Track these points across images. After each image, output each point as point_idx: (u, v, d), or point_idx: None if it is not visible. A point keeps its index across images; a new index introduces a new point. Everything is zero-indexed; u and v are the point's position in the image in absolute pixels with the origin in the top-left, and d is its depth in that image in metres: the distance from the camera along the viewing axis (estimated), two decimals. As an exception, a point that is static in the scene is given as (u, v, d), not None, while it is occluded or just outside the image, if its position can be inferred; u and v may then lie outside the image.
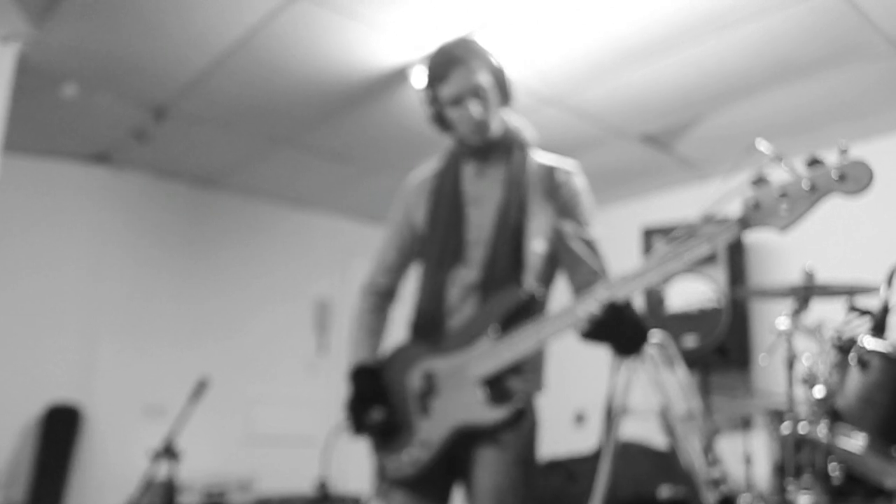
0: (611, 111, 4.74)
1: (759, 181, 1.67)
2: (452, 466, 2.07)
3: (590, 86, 4.42)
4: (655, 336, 4.03)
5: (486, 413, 1.95)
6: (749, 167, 1.84)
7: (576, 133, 4.98)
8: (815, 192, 1.60)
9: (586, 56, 4.10)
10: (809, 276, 2.87)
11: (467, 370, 1.99)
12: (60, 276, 5.56)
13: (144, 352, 5.72)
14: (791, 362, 2.89)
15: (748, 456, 3.86)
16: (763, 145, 1.87)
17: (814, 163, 1.61)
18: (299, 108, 4.79)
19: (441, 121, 2.21)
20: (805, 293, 2.88)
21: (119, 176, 5.88)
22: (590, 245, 2.11)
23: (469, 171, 2.23)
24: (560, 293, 2.17)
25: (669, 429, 4.02)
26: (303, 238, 6.76)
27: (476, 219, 2.16)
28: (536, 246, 2.09)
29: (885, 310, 2.43)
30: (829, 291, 2.90)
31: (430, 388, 2.06)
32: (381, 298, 2.35)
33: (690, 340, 4.65)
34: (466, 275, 2.11)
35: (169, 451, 4.20)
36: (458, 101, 2.10)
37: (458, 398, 2.00)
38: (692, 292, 4.72)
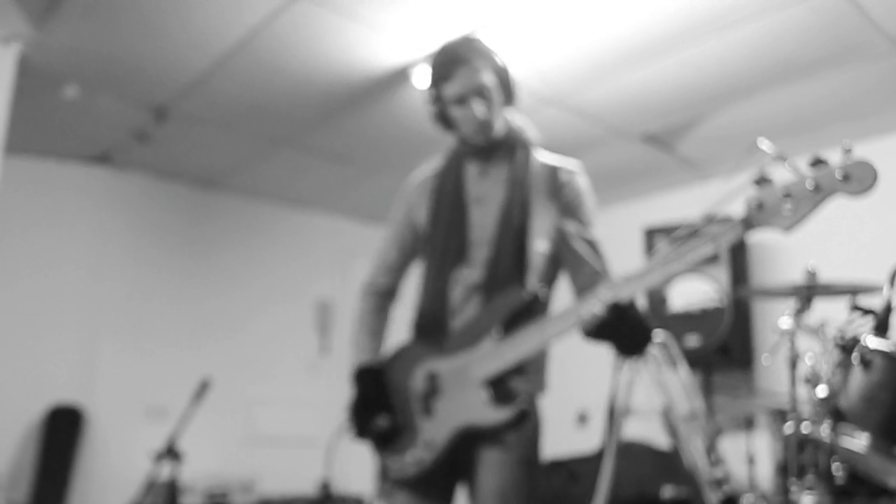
0: (612, 111, 4.74)
1: (762, 181, 1.66)
2: (455, 467, 2.07)
3: (591, 86, 4.42)
4: (658, 336, 4.02)
5: (490, 414, 1.94)
6: (751, 167, 1.83)
7: (577, 133, 4.98)
8: (819, 193, 1.59)
9: (587, 56, 4.10)
10: (812, 275, 2.86)
11: (470, 371, 1.99)
12: (62, 276, 5.56)
13: (146, 353, 5.72)
14: (794, 362, 2.88)
15: (751, 456, 3.85)
16: (765, 145, 1.87)
17: (817, 163, 1.61)
18: (300, 108, 4.79)
19: (444, 120, 2.21)
20: (808, 292, 2.87)
21: (120, 177, 5.88)
22: (592, 245, 2.11)
23: (472, 170, 2.23)
24: (562, 294, 2.17)
25: (672, 429, 4.02)
26: (304, 238, 6.76)
27: (479, 219, 2.15)
28: (539, 246, 2.08)
29: (888, 309, 2.42)
30: (831, 291, 2.90)
31: (433, 389, 2.06)
32: (383, 298, 2.35)
33: (693, 340, 4.64)
34: (469, 275, 2.11)
35: (171, 452, 4.20)
36: (462, 100, 2.10)
37: (461, 399, 2.00)
38: (694, 292, 4.71)
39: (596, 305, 1.78)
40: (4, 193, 4.17)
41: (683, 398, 4.01)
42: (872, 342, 2.29)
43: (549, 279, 2.14)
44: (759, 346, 4.92)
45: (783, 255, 5.06)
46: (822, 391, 2.48)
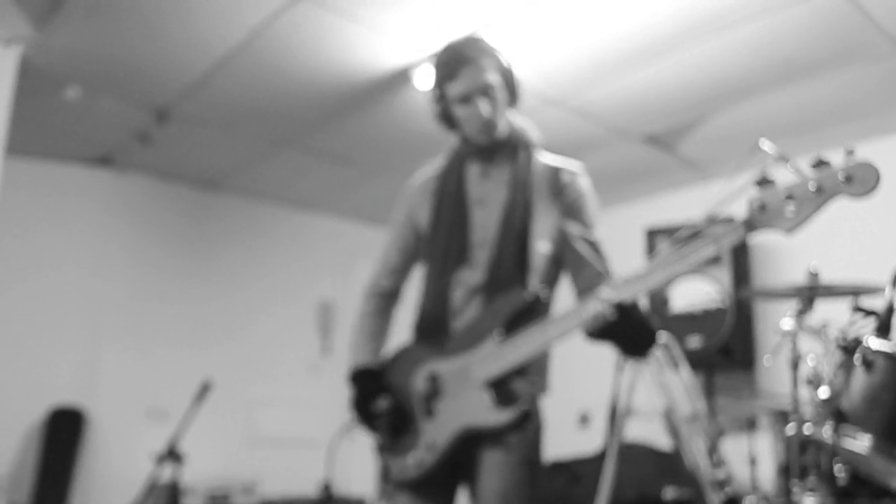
0: (614, 112, 4.74)
1: (764, 182, 1.66)
2: (457, 468, 2.07)
3: (593, 86, 4.42)
4: (661, 337, 4.02)
5: (492, 416, 1.94)
6: (752, 168, 1.83)
7: (579, 134, 4.97)
8: (822, 194, 1.59)
9: (589, 56, 4.09)
10: (814, 276, 2.86)
11: (472, 372, 1.99)
12: (63, 278, 5.56)
13: (147, 354, 5.71)
14: (796, 363, 2.88)
15: (753, 457, 3.84)
16: (767, 146, 1.86)
17: (820, 164, 1.60)
18: (301, 109, 4.79)
19: (447, 119, 2.21)
20: (810, 293, 2.87)
21: (122, 178, 5.88)
22: (594, 246, 2.11)
23: (473, 171, 2.23)
24: (564, 295, 2.17)
25: (674, 430, 4.02)
26: (305, 239, 6.75)
27: (481, 220, 2.15)
28: (541, 247, 2.08)
29: (890, 310, 2.42)
30: (833, 292, 2.90)
31: (434, 391, 2.05)
32: (385, 300, 2.35)
33: (695, 341, 4.64)
34: (471, 276, 2.11)
35: (172, 454, 4.20)
36: (466, 99, 2.10)
37: (463, 400, 2.00)
38: (696, 293, 4.71)
39: (599, 306, 1.77)
40: (6, 195, 4.16)
41: (685, 399, 4.01)
42: (874, 343, 2.29)
43: (551, 280, 2.14)
44: (761, 347, 4.92)
45: (785, 255, 5.05)
46: (824, 392, 2.47)
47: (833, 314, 2.89)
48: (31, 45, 4.04)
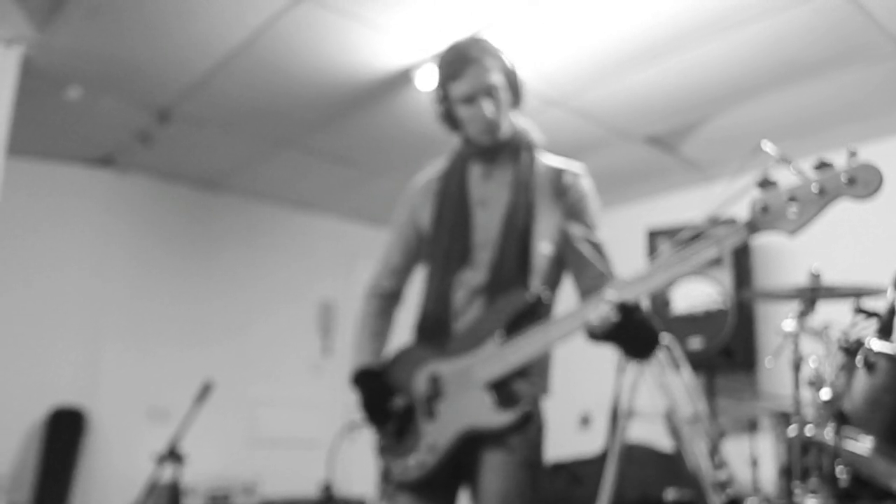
0: (615, 112, 4.73)
1: (767, 184, 1.66)
2: (458, 469, 2.06)
3: (594, 87, 4.41)
4: (663, 338, 4.02)
5: (494, 417, 1.94)
6: (755, 169, 1.83)
7: (580, 135, 4.97)
8: (825, 196, 1.59)
9: (591, 57, 4.09)
10: (816, 277, 2.85)
11: (473, 373, 1.98)
12: (64, 278, 5.56)
13: (148, 354, 5.72)
14: (797, 364, 2.88)
15: (754, 458, 3.84)
16: (769, 147, 1.86)
17: (822, 166, 1.60)
18: (302, 110, 4.78)
19: (450, 119, 2.20)
20: (811, 295, 2.87)
21: (123, 178, 5.88)
22: (597, 248, 2.10)
23: (476, 172, 2.22)
24: (566, 296, 2.16)
25: (675, 431, 4.02)
26: (306, 240, 6.75)
27: (483, 221, 2.15)
28: (543, 248, 2.08)
29: (892, 312, 2.42)
30: (835, 293, 2.89)
31: (436, 392, 2.05)
32: (386, 301, 2.35)
33: (696, 342, 4.64)
34: (473, 277, 2.10)
35: (173, 454, 4.20)
36: (470, 99, 2.10)
37: (464, 402, 1.99)
38: (698, 294, 4.71)
39: (603, 307, 1.77)
40: (7, 195, 4.16)
41: (687, 401, 4.00)
42: (876, 345, 2.29)
43: (553, 282, 2.14)
44: (763, 348, 4.92)
45: (787, 257, 5.05)
46: (825, 394, 2.47)
47: (835, 316, 2.89)
48: (32, 46, 4.04)
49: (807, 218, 1.61)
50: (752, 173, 1.75)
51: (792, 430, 2.80)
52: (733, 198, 1.75)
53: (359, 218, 6.93)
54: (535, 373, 2.05)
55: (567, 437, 5.80)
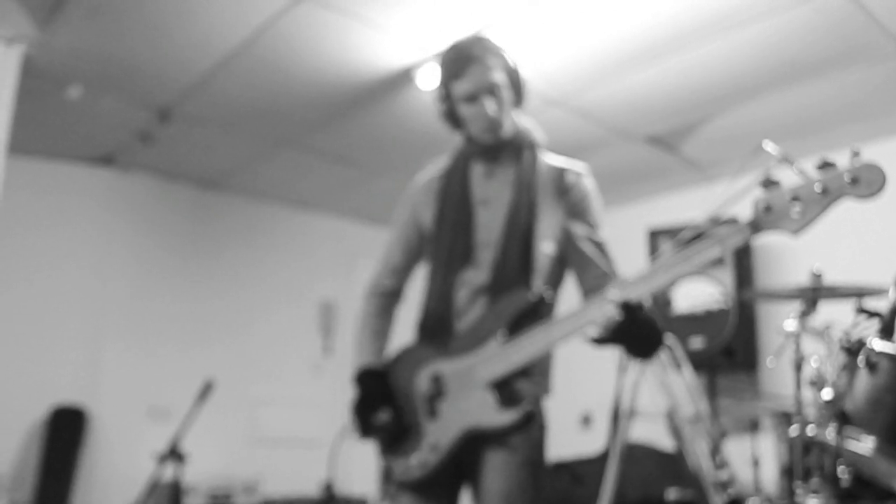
0: (616, 112, 4.73)
1: (770, 184, 1.66)
2: (460, 469, 2.06)
3: (595, 87, 4.41)
4: (667, 338, 4.02)
5: (496, 416, 1.94)
6: (756, 169, 1.82)
7: (581, 134, 4.97)
8: (828, 196, 1.58)
9: (592, 57, 4.09)
10: (817, 277, 2.85)
11: (475, 373, 1.98)
12: (65, 277, 5.56)
13: (149, 353, 5.72)
14: (799, 364, 2.88)
15: (756, 458, 3.84)
16: (770, 147, 1.86)
17: (825, 165, 1.60)
18: (303, 109, 4.78)
19: (452, 118, 2.20)
20: (813, 295, 2.86)
21: (123, 178, 5.88)
22: (599, 247, 2.10)
23: (478, 171, 2.22)
24: (568, 296, 2.16)
25: (676, 431, 4.01)
26: (307, 239, 6.75)
27: (485, 220, 2.14)
28: (545, 248, 2.08)
29: (894, 311, 2.42)
30: (837, 293, 2.89)
31: (438, 391, 2.05)
32: (387, 300, 2.34)
33: (697, 342, 4.63)
34: (475, 277, 2.10)
35: (174, 453, 4.19)
36: (472, 98, 2.09)
37: (466, 401, 1.99)
38: (699, 294, 4.70)
39: (607, 307, 1.76)
40: (8, 194, 4.16)
41: (688, 400, 4.00)
42: (878, 345, 2.29)
43: (555, 281, 2.14)
44: (764, 348, 4.92)
45: (788, 257, 5.05)
46: (827, 394, 2.47)
47: (836, 316, 2.89)
48: (33, 45, 4.04)
49: (810, 218, 1.61)
50: (753, 173, 1.75)
51: (793, 430, 2.80)
52: (734, 198, 1.75)
53: (360, 217, 6.93)
54: (537, 372, 2.05)
55: (568, 437, 5.80)
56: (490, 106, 2.08)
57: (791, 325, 2.87)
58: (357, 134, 5.13)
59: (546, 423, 2.09)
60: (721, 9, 3.61)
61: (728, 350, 4.63)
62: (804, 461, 2.79)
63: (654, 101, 4.58)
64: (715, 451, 3.69)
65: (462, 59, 2.09)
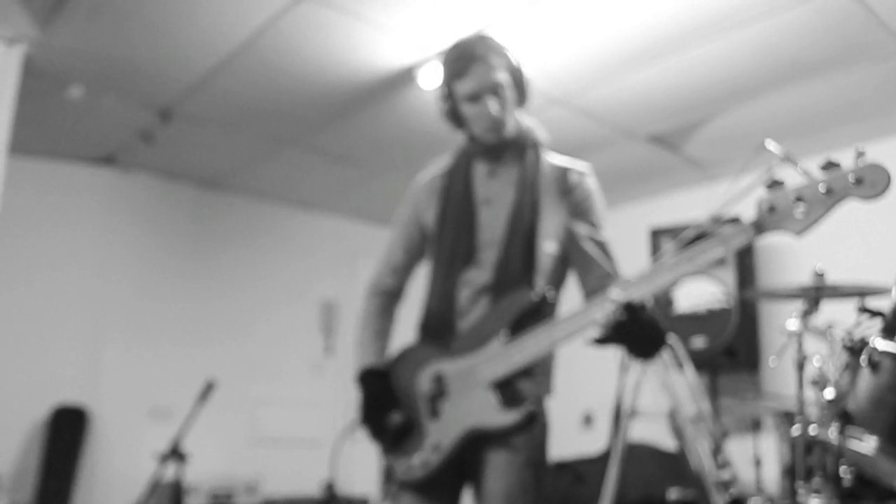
0: (618, 111, 4.73)
1: (773, 184, 1.65)
2: (462, 469, 2.06)
3: (597, 86, 4.41)
4: (669, 338, 4.02)
5: (499, 417, 1.93)
6: (758, 168, 1.82)
7: (583, 133, 4.97)
8: (832, 196, 1.58)
9: (594, 56, 4.09)
10: (820, 276, 2.85)
11: (478, 373, 1.98)
12: (66, 277, 5.56)
13: (151, 353, 5.72)
14: (801, 364, 2.87)
15: (758, 458, 3.84)
16: (772, 146, 1.86)
17: (829, 165, 1.59)
18: (305, 109, 4.78)
19: (455, 117, 2.19)
20: (815, 294, 2.86)
21: (125, 177, 5.88)
22: (602, 247, 2.10)
23: (481, 170, 2.21)
24: (571, 295, 2.16)
25: (678, 431, 4.01)
26: (308, 239, 6.75)
27: (488, 220, 2.14)
28: (548, 248, 2.07)
29: (897, 311, 2.41)
30: (839, 293, 2.88)
31: (440, 391, 2.04)
32: (388, 299, 2.33)
33: (699, 342, 4.63)
34: (477, 276, 2.10)
35: (175, 453, 4.19)
36: (475, 97, 2.08)
37: (469, 401, 1.99)
38: (701, 293, 4.70)
39: (609, 307, 1.76)
40: (10, 194, 4.16)
41: (690, 400, 4.00)
42: (881, 344, 2.29)
43: (558, 281, 2.13)
44: (766, 348, 4.91)
45: (790, 256, 5.04)
46: (829, 393, 2.47)
47: (839, 315, 2.88)
48: (34, 45, 4.04)
49: (814, 218, 1.61)
50: (755, 172, 1.74)
51: (795, 430, 2.80)
52: (736, 197, 1.75)
53: (361, 217, 6.93)
54: (539, 372, 2.05)
55: (570, 437, 5.80)
56: (493, 105, 2.07)
57: (793, 324, 2.87)
58: (358, 133, 5.13)
59: (548, 423, 2.09)
60: (722, 8, 3.60)
61: (730, 350, 4.62)
62: (806, 461, 2.79)
63: (656, 101, 4.58)
64: (716, 450, 3.69)
65: (465, 58, 2.08)
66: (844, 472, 2.37)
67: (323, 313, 6.67)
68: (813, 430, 2.52)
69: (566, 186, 2.14)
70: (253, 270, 6.35)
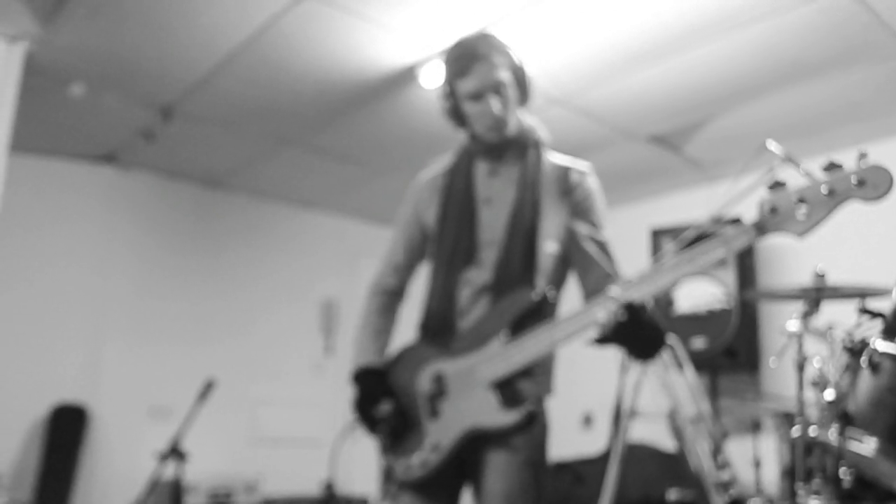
0: (619, 111, 4.73)
1: (775, 185, 1.65)
2: (461, 469, 2.06)
3: (598, 86, 4.41)
4: (669, 339, 4.02)
5: (499, 417, 1.93)
6: (759, 168, 1.82)
7: (584, 133, 4.96)
8: (834, 198, 1.57)
9: (595, 56, 4.08)
10: (820, 277, 2.84)
11: (477, 372, 1.98)
12: (67, 275, 5.56)
13: (151, 352, 5.72)
14: (801, 365, 2.87)
15: (757, 459, 3.84)
16: (773, 146, 1.85)
17: (831, 167, 1.59)
18: (306, 108, 4.78)
19: (457, 116, 2.19)
20: (816, 295, 2.86)
21: (126, 176, 5.88)
22: (603, 247, 2.10)
23: (482, 169, 2.21)
24: (571, 295, 2.16)
25: (678, 431, 4.01)
26: (309, 238, 6.75)
27: (488, 219, 2.14)
28: (549, 247, 2.07)
29: (898, 312, 2.41)
30: (840, 294, 2.88)
31: (440, 391, 2.04)
32: (390, 298, 2.33)
33: (699, 342, 4.63)
34: (478, 276, 2.09)
35: (175, 452, 4.19)
36: (477, 96, 2.08)
37: (468, 401, 1.98)
38: (701, 294, 4.69)
39: (610, 307, 1.76)
40: (10, 192, 4.16)
41: (689, 401, 4.00)
42: (881, 346, 2.29)
43: (558, 281, 2.13)
44: (766, 348, 4.91)
45: (791, 257, 5.04)
46: (829, 395, 2.47)
47: (839, 316, 2.88)
48: (36, 43, 4.04)
49: (816, 220, 1.60)
50: (757, 173, 1.74)
51: (795, 431, 2.80)
52: (737, 198, 1.74)
53: (362, 216, 6.93)
54: (539, 372, 2.04)
55: (570, 437, 5.80)
56: (495, 104, 2.07)
57: (793, 325, 2.86)
58: (360, 132, 5.13)
59: (548, 423, 2.08)
60: (724, 8, 3.60)
61: (730, 350, 4.62)
62: (806, 462, 2.79)
63: (657, 101, 4.57)
64: (716, 451, 3.69)
65: (467, 57, 2.08)
66: (844, 473, 2.37)
67: (323, 313, 6.67)
68: (813, 432, 2.52)
69: (567, 186, 2.14)
70: (253, 270, 6.35)
